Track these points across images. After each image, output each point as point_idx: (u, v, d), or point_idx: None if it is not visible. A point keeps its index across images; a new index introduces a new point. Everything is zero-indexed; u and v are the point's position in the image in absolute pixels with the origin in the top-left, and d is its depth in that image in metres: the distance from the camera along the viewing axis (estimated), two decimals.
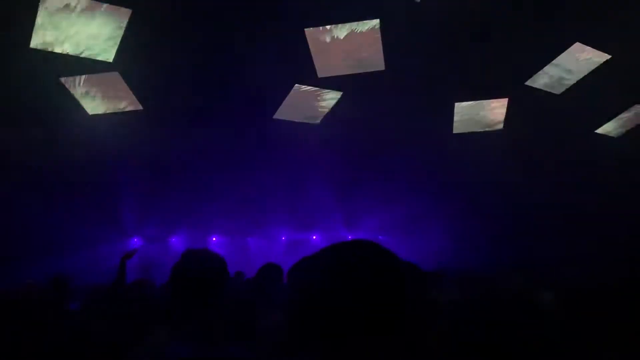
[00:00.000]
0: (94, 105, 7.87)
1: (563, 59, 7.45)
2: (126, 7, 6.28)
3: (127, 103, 7.95)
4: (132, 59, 6.91)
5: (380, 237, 14.33)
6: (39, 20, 6.13)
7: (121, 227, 12.16)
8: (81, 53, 6.72)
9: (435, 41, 7.37)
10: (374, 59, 7.46)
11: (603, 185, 9.47)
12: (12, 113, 7.81)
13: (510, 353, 2.28)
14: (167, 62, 7.25)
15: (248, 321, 2.79)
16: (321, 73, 7.70)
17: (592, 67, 7.52)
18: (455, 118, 8.86)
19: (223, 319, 2.31)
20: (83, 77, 7.35)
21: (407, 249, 12.36)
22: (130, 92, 7.65)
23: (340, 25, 7.08)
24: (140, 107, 7.97)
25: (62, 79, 7.30)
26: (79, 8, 6.19)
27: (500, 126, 8.97)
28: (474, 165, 9.87)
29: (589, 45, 7.16)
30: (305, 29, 7.07)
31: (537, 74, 7.78)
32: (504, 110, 8.66)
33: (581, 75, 7.67)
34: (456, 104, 8.72)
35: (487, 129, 9.07)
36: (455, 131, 9.10)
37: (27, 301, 2.52)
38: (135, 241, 13.09)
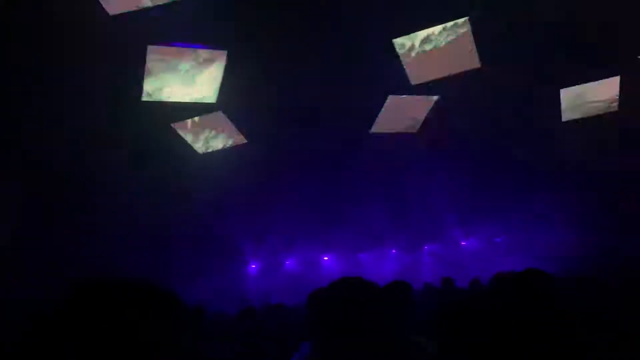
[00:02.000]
0: (203, 145, 8.36)
1: None
2: (220, 49, 6.65)
3: (233, 139, 8.36)
4: (234, 97, 7.25)
5: (497, 239, 13.77)
6: (147, 79, 6.64)
7: (237, 256, 12.66)
8: (187, 99, 7.17)
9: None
10: (468, 57, 7.26)
11: None
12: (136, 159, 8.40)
13: None
14: (266, 96, 7.51)
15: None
16: (414, 80, 7.61)
17: None
18: (563, 106, 8.36)
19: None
20: (191, 120, 7.84)
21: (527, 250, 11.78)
22: (235, 128, 8.04)
23: (429, 29, 6.98)
24: (244, 141, 8.34)
25: (173, 125, 7.83)
26: (183, 66, 6.66)
27: (615, 108, 8.31)
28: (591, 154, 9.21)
29: None
30: (394, 40, 7.05)
31: None
32: (615, 91, 8.04)
33: None
34: (562, 90, 8.23)
35: (599, 113, 8.45)
36: (564, 119, 8.57)
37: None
38: (253, 267, 13.60)
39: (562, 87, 8.22)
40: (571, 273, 5.50)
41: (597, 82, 8.05)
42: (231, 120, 7.87)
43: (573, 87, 8.21)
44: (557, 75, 7.92)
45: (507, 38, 7.10)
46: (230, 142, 8.43)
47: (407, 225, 12.62)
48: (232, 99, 7.33)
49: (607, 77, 7.98)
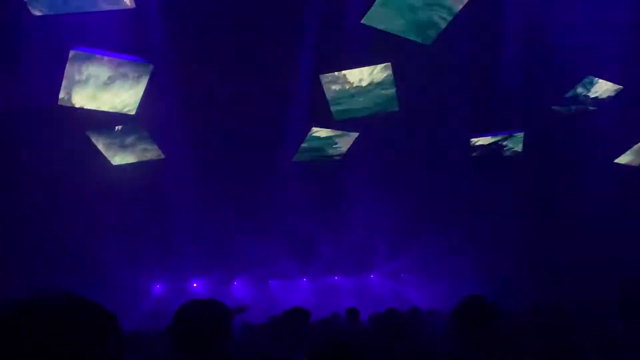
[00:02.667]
0: (118, 157, 8.12)
1: None
2: (145, 61, 6.58)
3: (149, 152, 8.18)
4: (153, 109, 7.16)
5: (403, 275, 14.18)
6: (65, 79, 6.42)
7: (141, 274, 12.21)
8: (106, 108, 6.98)
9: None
10: (387, 101, 7.62)
11: None
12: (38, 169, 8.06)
13: None
14: (188, 111, 7.49)
15: None
16: (337, 117, 7.87)
17: None
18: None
19: None
20: (107, 130, 7.62)
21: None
22: (152, 142, 7.89)
23: (353, 70, 7.28)
24: (162, 156, 8.19)
25: (88, 133, 7.57)
26: (105, 70, 6.49)
27: None
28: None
29: None
30: (321, 75, 7.28)
31: None
32: None
33: None
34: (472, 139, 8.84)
35: None
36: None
37: None
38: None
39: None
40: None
41: None
42: (149, 133, 7.72)
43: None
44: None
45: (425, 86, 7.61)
46: (146, 156, 8.23)
47: (319, 256, 12.78)
48: (152, 113, 7.24)
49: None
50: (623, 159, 8.87)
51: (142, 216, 9.67)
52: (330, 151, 8.92)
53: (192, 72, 6.88)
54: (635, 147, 8.69)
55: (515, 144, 8.75)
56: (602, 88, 7.77)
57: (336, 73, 7.33)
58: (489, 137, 8.82)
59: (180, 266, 12.49)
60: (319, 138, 8.59)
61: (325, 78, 7.30)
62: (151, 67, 6.60)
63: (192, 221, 10.33)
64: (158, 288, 13.34)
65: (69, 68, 6.32)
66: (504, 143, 8.88)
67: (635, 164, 8.94)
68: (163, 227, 10.34)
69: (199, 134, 8.00)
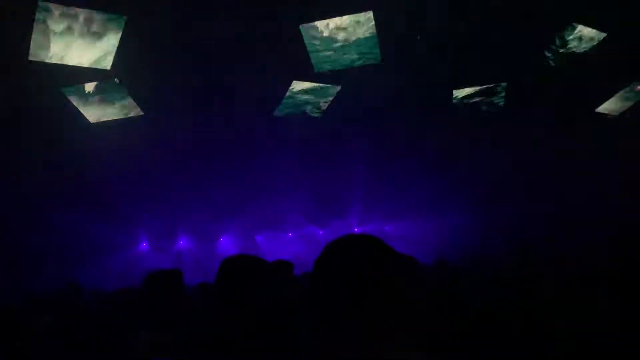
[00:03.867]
0: (95, 114, 7.94)
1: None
2: (122, 14, 6.34)
3: (128, 109, 8.01)
4: (130, 65, 6.96)
5: (386, 227, 14.32)
6: (35, 35, 6.18)
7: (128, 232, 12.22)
8: (80, 63, 6.77)
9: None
10: (370, 52, 7.48)
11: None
12: (15, 124, 7.89)
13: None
14: (166, 67, 7.30)
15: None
16: (318, 68, 7.72)
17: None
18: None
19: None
20: (83, 86, 7.41)
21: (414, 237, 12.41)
22: (131, 99, 7.71)
23: (335, 19, 7.10)
24: (141, 113, 8.03)
25: (64, 89, 7.37)
26: (77, 23, 6.25)
27: None
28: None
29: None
30: (300, 25, 7.09)
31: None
32: None
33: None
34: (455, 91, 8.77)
35: None
36: None
37: None
38: (144, 245, 13.21)
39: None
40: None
41: None
42: (128, 89, 7.53)
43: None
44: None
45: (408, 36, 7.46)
46: (124, 113, 8.07)
47: (302, 211, 12.83)
48: (130, 68, 7.04)
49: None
50: (604, 108, 8.90)
51: (120, 176, 9.59)
52: (312, 105, 8.82)
53: (169, 21, 6.64)
54: (617, 95, 8.69)
55: (498, 96, 8.73)
56: (588, 36, 7.69)
57: (316, 23, 7.15)
58: (471, 89, 8.78)
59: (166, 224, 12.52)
60: (300, 91, 8.47)
61: (305, 28, 7.12)
62: (125, 19, 6.37)
63: (173, 179, 10.25)
64: (144, 246, 13.39)
65: (37, 21, 6.08)
66: (487, 97, 8.85)
67: (614, 113, 8.97)
68: (142, 186, 10.26)
69: (178, 87, 7.81)
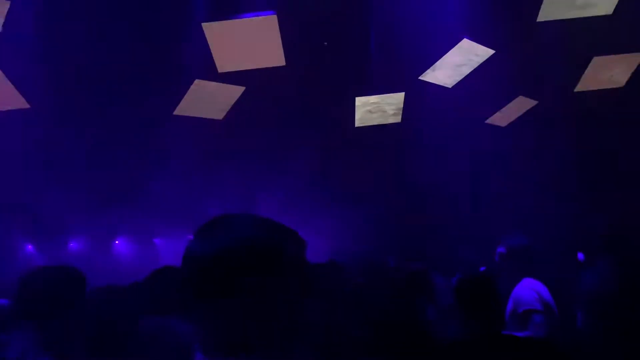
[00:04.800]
0: None
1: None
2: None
3: (12, 101, 7.41)
4: (13, 55, 6.46)
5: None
6: None
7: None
8: None
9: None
10: (274, 54, 7.49)
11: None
12: None
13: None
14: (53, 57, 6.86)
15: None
16: (221, 69, 7.61)
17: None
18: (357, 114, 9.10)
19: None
20: None
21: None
22: (15, 90, 7.14)
23: (238, 19, 7.04)
24: (27, 106, 7.46)
25: None
26: None
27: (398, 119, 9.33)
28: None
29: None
30: (203, 24, 6.96)
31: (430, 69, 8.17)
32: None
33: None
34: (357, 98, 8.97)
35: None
36: (357, 124, 9.34)
37: None
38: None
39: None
40: None
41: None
42: (11, 80, 6.97)
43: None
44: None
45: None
46: (9, 105, 7.45)
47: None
48: (12, 56, 6.53)
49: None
50: (493, 119, 9.51)
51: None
52: (214, 106, 8.66)
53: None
54: (506, 107, 9.31)
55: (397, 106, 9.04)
56: (477, 51, 8.20)
57: (221, 22, 7.04)
58: (373, 97, 9.04)
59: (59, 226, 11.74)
60: (202, 91, 8.29)
61: (208, 27, 6.98)
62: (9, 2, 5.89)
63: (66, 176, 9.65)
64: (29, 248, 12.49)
65: None
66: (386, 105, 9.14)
67: (503, 124, 9.62)
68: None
69: (68, 83, 7.36)
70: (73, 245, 12.95)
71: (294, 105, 8.90)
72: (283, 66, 7.63)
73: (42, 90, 7.31)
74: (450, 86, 8.55)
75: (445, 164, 10.44)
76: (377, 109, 9.23)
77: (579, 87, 8.43)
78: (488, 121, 9.44)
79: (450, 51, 7.79)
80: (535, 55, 8.28)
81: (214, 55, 7.35)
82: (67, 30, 6.64)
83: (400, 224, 11.30)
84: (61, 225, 11.81)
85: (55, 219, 11.30)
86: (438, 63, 8.03)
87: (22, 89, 7.14)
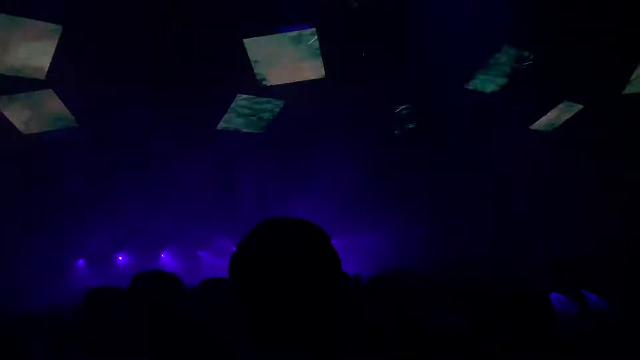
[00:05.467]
0: (27, 124, 7.61)
1: None
2: (56, 23, 6.16)
3: (63, 121, 7.73)
4: (65, 75, 6.75)
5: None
6: None
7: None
8: (13, 72, 6.53)
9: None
10: (313, 67, 7.57)
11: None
12: None
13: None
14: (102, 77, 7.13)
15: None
16: (262, 83, 7.76)
17: None
18: None
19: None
20: (16, 95, 7.11)
21: None
22: (66, 109, 7.45)
23: (278, 34, 7.16)
24: (76, 125, 7.77)
25: None
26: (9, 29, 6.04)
27: None
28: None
29: None
30: (244, 40, 7.11)
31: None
32: None
33: None
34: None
35: None
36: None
37: None
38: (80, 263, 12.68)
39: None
40: None
41: None
42: (62, 100, 7.28)
43: None
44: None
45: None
46: (59, 124, 7.78)
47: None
48: (65, 78, 6.82)
49: None
50: (539, 124, 9.29)
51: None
52: (256, 119, 8.81)
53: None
54: (551, 112, 9.07)
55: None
56: None
57: (261, 37, 7.19)
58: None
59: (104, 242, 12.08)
60: (244, 106, 8.45)
61: (249, 43, 7.13)
62: (61, 27, 6.19)
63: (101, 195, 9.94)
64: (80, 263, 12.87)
65: None
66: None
67: (548, 129, 9.39)
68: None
69: (114, 101, 7.63)
70: (121, 259, 13.29)
71: (335, 116, 8.93)
72: (323, 78, 7.75)
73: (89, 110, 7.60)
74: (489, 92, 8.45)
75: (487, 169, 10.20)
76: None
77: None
78: (533, 127, 9.25)
79: None
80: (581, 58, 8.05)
81: (254, 70, 7.51)
82: (115, 55, 6.89)
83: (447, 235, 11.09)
84: (110, 241, 12.19)
85: (105, 235, 11.69)
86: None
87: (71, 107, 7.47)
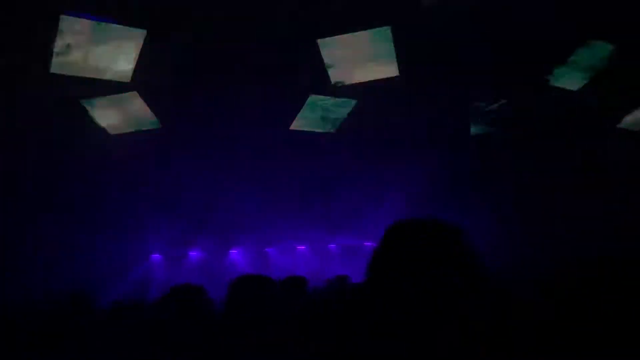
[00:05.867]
0: (114, 125, 7.99)
1: None
2: (140, 27, 6.42)
3: (147, 122, 8.05)
4: (150, 77, 7.02)
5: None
6: (57, 47, 6.27)
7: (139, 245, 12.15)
8: (100, 76, 6.84)
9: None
10: (387, 66, 7.49)
11: None
12: (33, 137, 7.95)
13: None
14: (185, 80, 7.36)
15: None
16: (335, 82, 7.75)
17: None
18: None
19: None
20: (102, 98, 7.47)
21: None
22: (149, 111, 7.75)
23: (351, 33, 7.13)
24: (160, 126, 8.07)
25: (83, 102, 7.44)
26: (95, 34, 6.33)
27: None
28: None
29: None
30: (318, 40, 7.13)
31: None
32: None
33: None
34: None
35: None
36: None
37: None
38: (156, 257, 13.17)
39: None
40: None
41: None
42: (146, 102, 7.58)
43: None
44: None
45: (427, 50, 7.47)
46: (144, 126, 8.11)
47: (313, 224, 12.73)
48: (149, 81, 7.10)
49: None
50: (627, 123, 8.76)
51: (133, 186, 9.60)
52: (328, 119, 8.83)
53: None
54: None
55: None
56: None
57: (335, 37, 7.18)
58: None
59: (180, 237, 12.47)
60: (316, 105, 8.48)
61: (323, 43, 7.15)
62: (145, 32, 6.44)
63: (186, 190, 10.23)
64: (156, 257, 13.36)
65: (59, 34, 6.16)
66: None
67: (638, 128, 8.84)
68: (156, 197, 10.25)
69: (198, 102, 7.86)
70: (193, 254, 13.71)
71: (409, 115, 8.80)
72: (396, 76, 7.65)
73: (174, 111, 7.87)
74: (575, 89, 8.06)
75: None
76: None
77: None
78: (621, 125, 8.74)
79: None
80: None
81: (327, 69, 7.52)
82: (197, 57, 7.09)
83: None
84: (184, 236, 12.58)
85: (179, 231, 12.08)
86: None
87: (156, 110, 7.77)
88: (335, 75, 7.62)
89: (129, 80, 6.95)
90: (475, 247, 1.33)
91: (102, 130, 7.95)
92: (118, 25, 6.39)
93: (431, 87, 8.25)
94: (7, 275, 8.15)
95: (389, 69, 7.54)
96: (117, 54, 6.68)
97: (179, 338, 2.79)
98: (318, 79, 7.78)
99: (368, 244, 13.96)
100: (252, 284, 2.52)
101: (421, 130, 9.20)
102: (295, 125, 8.72)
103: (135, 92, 7.36)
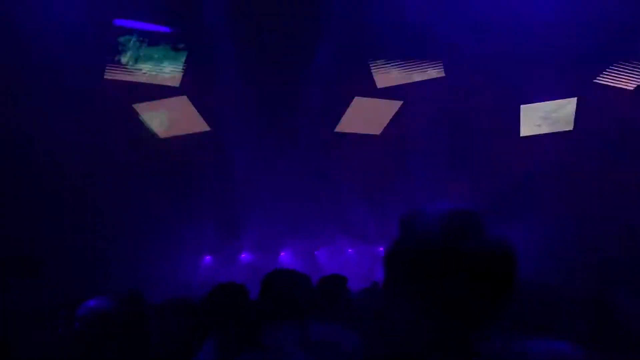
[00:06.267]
0: (164, 128, 8.26)
1: None
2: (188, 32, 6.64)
3: (195, 125, 8.27)
4: (198, 82, 7.22)
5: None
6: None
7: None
8: (150, 80, 7.11)
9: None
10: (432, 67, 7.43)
11: None
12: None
13: None
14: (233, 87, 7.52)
15: None
16: (380, 84, 7.74)
17: None
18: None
19: None
20: (154, 102, 7.74)
21: None
22: (198, 114, 7.96)
23: None
24: (207, 128, 8.27)
25: (135, 106, 7.73)
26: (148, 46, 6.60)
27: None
28: None
29: None
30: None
31: None
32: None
33: None
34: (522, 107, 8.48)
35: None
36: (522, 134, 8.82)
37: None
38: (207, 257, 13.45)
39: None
40: None
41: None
42: (195, 106, 7.80)
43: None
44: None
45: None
46: (192, 128, 8.34)
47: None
48: (197, 85, 7.31)
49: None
50: None
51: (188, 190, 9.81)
52: (373, 121, 8.81)
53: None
54: None
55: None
56: None
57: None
58: (540, 104, 8.48)
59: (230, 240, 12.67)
60: (362, 108, 8.49)
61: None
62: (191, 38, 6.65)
63: (239, 195, 10.40)
64: (207, 260, 13.64)
65: (115, 41, 6.46)
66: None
67: None
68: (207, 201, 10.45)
69: (246, 106, 8.00)
70: (244, 257, 13.93)
71: (454, 116, 8.63)
72: (442, 77, 7.56)
73: (222, 114, 8.03)
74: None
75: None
76: (544, 117, 8.66)
77: None
78: None
79: None
80: None
81: (372, 72, 7.53)
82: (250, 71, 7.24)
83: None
84: (235, 239, 12.79)
85: (230, 234, 12.30)
86: None
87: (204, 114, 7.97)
88: (379, 77, 7.61)
89: (177, 85, 7.18)
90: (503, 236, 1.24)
91: (154, 133, 8.21)
92: (165, 31, 6.63)
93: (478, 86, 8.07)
94: (68, 275, 8.49)
95: (433, 70, 7.47)
96: (165, 58, 6.93)
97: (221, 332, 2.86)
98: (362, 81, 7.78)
99: None
100: (284, 278, 2.53)
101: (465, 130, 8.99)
102: (341, 127, 8.75)
103: (184, 97, 7.59)
